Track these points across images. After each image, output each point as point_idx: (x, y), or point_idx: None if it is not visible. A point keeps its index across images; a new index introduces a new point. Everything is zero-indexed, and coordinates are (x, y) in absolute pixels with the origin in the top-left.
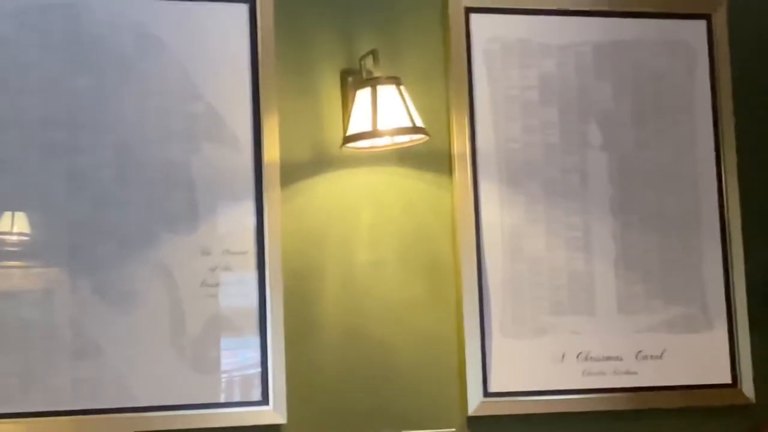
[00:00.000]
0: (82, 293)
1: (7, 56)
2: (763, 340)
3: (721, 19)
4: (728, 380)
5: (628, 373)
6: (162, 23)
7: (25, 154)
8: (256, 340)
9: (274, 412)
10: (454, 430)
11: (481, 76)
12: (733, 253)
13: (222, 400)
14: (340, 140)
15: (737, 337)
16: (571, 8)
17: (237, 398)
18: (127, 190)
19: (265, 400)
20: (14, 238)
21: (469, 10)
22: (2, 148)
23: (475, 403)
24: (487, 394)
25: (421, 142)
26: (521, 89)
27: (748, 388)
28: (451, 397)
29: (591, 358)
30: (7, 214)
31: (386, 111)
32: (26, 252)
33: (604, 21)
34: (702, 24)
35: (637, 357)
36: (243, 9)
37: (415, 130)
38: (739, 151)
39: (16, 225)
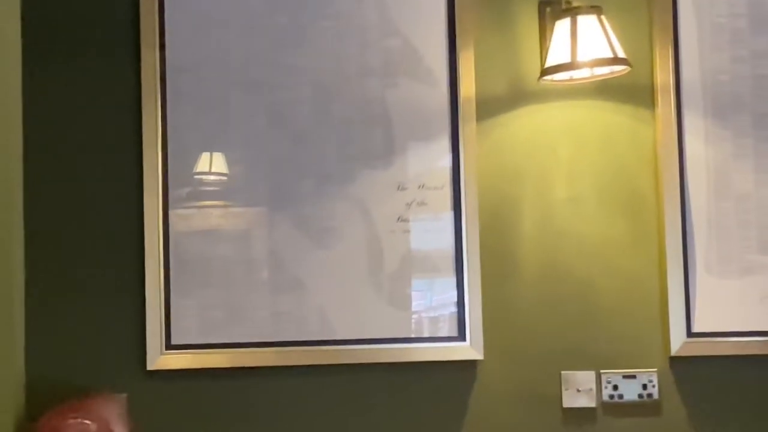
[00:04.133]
0: (281, 229)
1: None
2: None
3: None
4: None
5: None
6: None
7: (227, 92)
8: (452, 277)
9: (471, 348)
10: (655, 370)
11: (687, 3)
12: None
13: (419, 335)
14: (537, 73)
15: None
16: None
17: (434, 334)
18: (324, 126)
19: (462, 336)
20: (212, 177)
21: None
22: (206, 86)
23: (678, 343)
24: (690, 334)
25: (622, 73)
26: (730, 17)
27: None
28: (653, 338)
29: None
30: (205, 155)
31: (586, 42)
32: (225, 191)
33: None
34: None
35: None
36: None
37: (617, 60)
38: None
39: (214, 165)
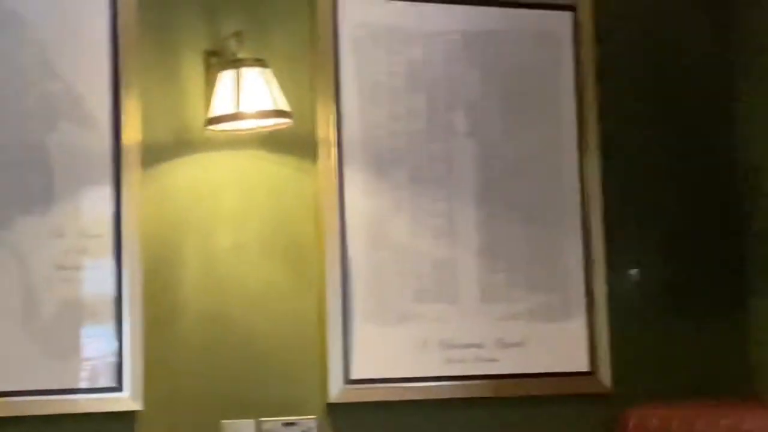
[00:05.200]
0: None
1: None
2: (621, 329)
3: (586, 11)
4: (587, 369)
5: (488, 360)
6: None
7: None
8: (112, 326)
9: (129, 399)
10: (314, 417)
11: (348, 61)
12: (593, 243)
13: (77, 386)
14: (203, 122)
15: (596, 326)
16: None
17: (92, 384)
18: None
19: (120, 386)
20: None
21: None
22: None
23: (336, 390)
24: (348, 381)
25: (285, 126)
26: (388, 75)
27: (605, 376)
28: (313, 384)
29: (452, 345)
30: None
31: (250, 93)
32: None
33: (473, 10)
34: (568, 16)
35: (498, 345)
36: None
37: (279, 113)
38: (602, 141)
39: None
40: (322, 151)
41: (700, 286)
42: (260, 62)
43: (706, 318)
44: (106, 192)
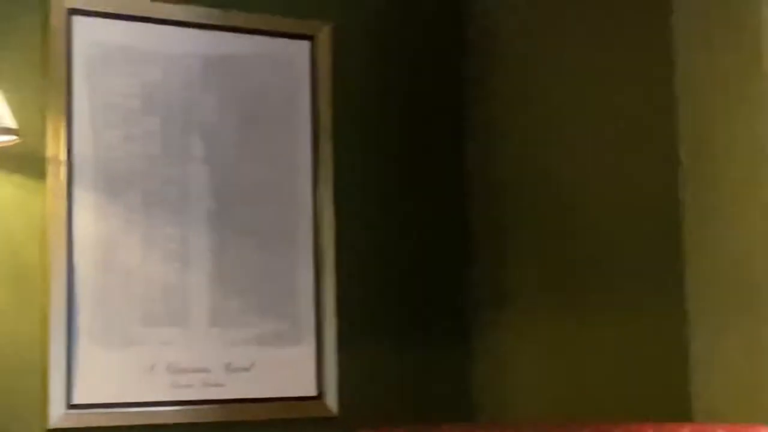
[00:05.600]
0: None
1: None
2: (348, 355)
3: (324, 40)
4: (314, 393)
5: (216, 385)
6: None
7: None
8: None
9: None
10: None
11: (82, 80)
12: (325, 269)
13: None
14: None
15: (324, 351)
16: (180, 19)
17: None
18: None
19: None
20: None
21: (71, 12)
22: None
23: (57, 414)
24: (70, 405)
25: (11, 143)
26: (123, 97)
27: (331, 401)
28: (33, 409)
29: (180, 370)
30: None
31: None
32: None
33: (212, 34)
34: (306, 44)
35: (226, 369)
36: None
37: (5, 130)
38: (336, 169)
39: None
40: (50, 171)
41: (427, 311)
42: None
43: (431, 343)
44: None
